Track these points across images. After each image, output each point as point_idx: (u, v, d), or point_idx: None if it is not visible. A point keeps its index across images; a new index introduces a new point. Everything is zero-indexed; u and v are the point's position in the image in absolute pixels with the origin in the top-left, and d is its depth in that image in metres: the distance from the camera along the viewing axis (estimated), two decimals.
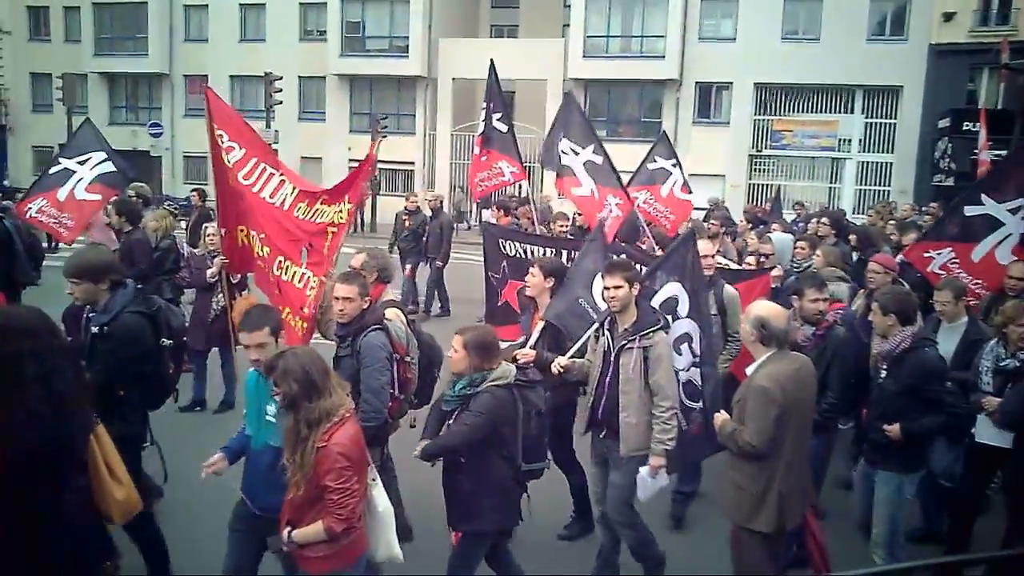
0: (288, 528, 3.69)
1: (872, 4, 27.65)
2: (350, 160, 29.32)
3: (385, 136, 28.51)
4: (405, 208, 13.77)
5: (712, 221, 10.47)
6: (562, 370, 5.19)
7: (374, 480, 3.99)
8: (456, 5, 34.07)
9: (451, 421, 4.33)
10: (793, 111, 29.30)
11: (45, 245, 11.45)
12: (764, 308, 4.49)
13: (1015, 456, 5.23)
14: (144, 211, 9.28)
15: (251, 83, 32.64)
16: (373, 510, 3.94)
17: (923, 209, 15.84)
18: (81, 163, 8.47)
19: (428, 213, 13.69)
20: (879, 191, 27.96)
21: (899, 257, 7.95)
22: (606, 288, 4.95)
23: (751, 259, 8.34)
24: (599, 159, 8.55)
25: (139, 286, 7.48)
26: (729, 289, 6.35)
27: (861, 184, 28.96)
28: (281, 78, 28.77)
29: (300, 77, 33.04)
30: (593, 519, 5.65)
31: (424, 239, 13.26)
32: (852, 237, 9.77)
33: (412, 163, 32.69)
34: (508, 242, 7.41)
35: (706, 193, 21.84)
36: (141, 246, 8.20)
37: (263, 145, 6.26)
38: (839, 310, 6.04)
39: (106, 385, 4.39)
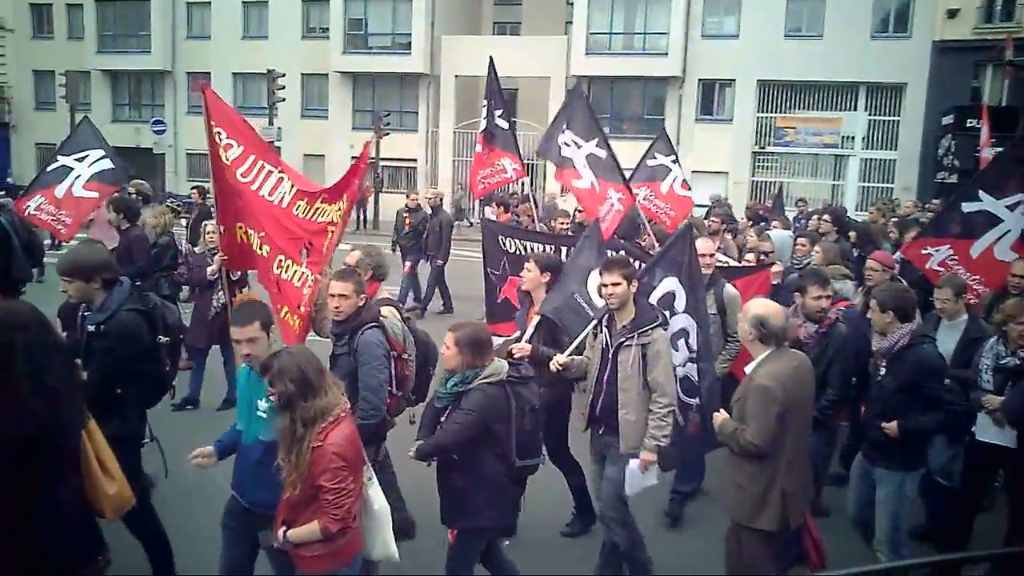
0: (283, 528, 3.68)
1: (876, 1, 27.59)
2: (352, 158, 29.21)
3: (388, 133, 28.64)
4: (406, 206, 13.77)
5: (713, 218, 10.44)
6: (561, 368, 5.19)
7: (370, 479, 3.97)
8: (459, 2, 34.05)
9: (443, 419, 4.32)
10: (796, 108, 29.25)
11: (48, 242, 11.49)
12: (762, 306, 4.48)
13: (1017, 455, 5.22)
14: (144, 208, 9.29)
15: (254, 80, 32.62)
16: (369, 509, 3.92)
17: (926, 206, 15.82)
18: (79, 160, 8.47)
19: (429, 211, 13.69)
20: (882, 188, 27.91)
21: (897, 254, 7.94)
22: (604, 285, 4.94)
23: (750, 256, 8.32)
24: (602, 153, 8.51)
25: (137, 283, 7.54)
26: (730, 289, 6.33)
27: (864, 181, 28.90)
28: (284, 75, 28.81)
29: (303, 74, 33.05)
30: (595, 515, 5.64)
31: (424, 237, 13.27)
32: (852, 234, 9.75)
33: (415, 160, 32.69)
34: (508, 239, 7.41)
35: (709, 190, 21.84)
36: (139, 243, 8.22)
37: (262, 142, 6.24)
38: (843, 308, 6.02)
39: (104, 383, 4.40)
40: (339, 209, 5.64)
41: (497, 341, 5.07)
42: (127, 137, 33.85)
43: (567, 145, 8.71)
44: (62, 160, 8.56)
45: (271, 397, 3.64)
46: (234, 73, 34.08)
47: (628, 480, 4.84)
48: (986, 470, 5.62)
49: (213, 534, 4.37)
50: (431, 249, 13.14)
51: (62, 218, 8.24)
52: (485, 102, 10.18)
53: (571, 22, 30.72)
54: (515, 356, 5.23)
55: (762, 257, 8.04)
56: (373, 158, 28.46)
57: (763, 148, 29.64)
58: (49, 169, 8.65)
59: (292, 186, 5.87)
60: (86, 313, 4.63)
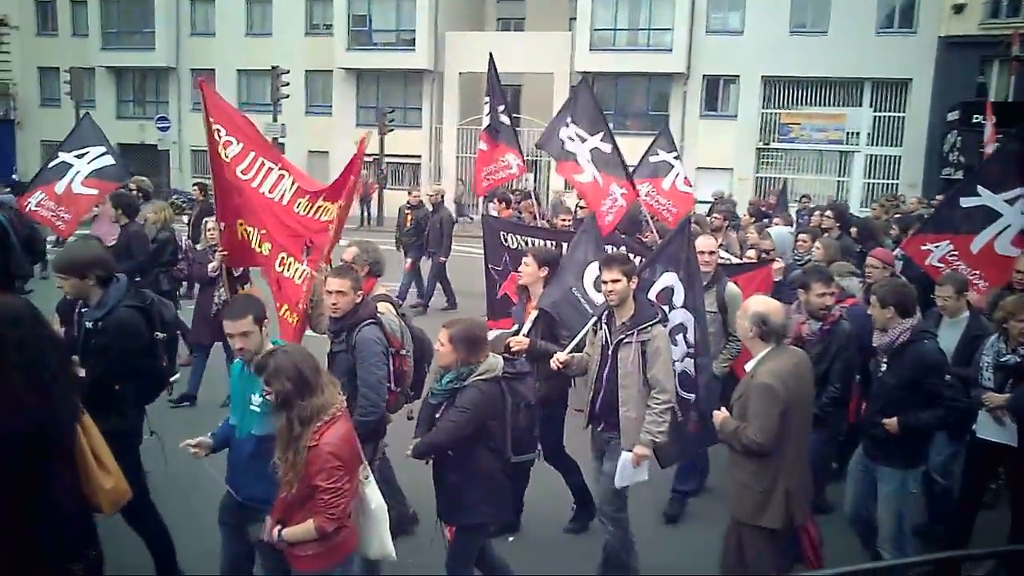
0: (278, 526, 3.68)
1: None
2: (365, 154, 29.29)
3: (392, 130, 28.64)
4: (407, 202, 13.79)
5: (715, 215, 10.42)
6: (561, 365, 5.18)
7: (367, 478, 3.97)
8: None
9: (438, 416, 4.30)
10: (801, 104, 29.15)
11: (52, 239, 11.50)
12: (763, 304, 4.47)
13: (1018, 453, 5.19)
14: (144, 205, 9.30)
15: (258, 77, 32.56)
16: (366, 508, 3.92)
17: (931, 203, 15.74)
18: (79, 157, 8.48)
19: (430, 208, 13.69)
20: (887, 184, 27.81)
21: (897, 251, 7.90)
22: (604, 282, 4.94)
23: (751, 253, 8.30)
24: (607, 147, 8.47)
25: (137, 278, 7.55)
26: (731, 287, 6.31)
27: (869, 177, 28.80)
28: (288, 72, 28.76)
29: (307, 71, 33.01)
30: (596, 509, 5.63)
31: (425, 233, 13.27)
32: (853, 230, 9.73)
33: (419, 157, 32.67)
34: (510, 235, 7.41)
35: (714, 186, 21.80)
36: (139, 238, 8.23)
37: (262, 139, 6.22)
38: (850, 306, 5.99)
39: (102, 380, 4.40)
40: (340, 206, 5.63)
41: (496, 334, 5.05)
42: (131, 133, 33.93)
43: (571, 139, 8.67)
44: (63, 156, 8.57)
45: (267, 396, 3.64)
46: (238, 70, 34.08)
47: (619, 473, 4.82)
48: (986, 468, 5.58)
49: (214, 529, 4.38)
50: (432, 246, 13.14)
51: (61, 214, 8.26)
52: (487, 99, 10.17)
53: (575, 18, 30.61)
54: (513, 350, 5.22)
55: (763, 255, 8.03)
56: (377, 154, 28.51)
57: (767, 144, 29.55)
58: (50, 165, 8.67)
59: (293, 183, 5.85)
60: (83, 310, 4.63)
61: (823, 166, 29.40)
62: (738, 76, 29.16)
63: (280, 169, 5.91)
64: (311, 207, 5.74)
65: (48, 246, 11.12)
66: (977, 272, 6.70)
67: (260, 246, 5.92)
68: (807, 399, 4.45)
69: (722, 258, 7.24)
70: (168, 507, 5.01)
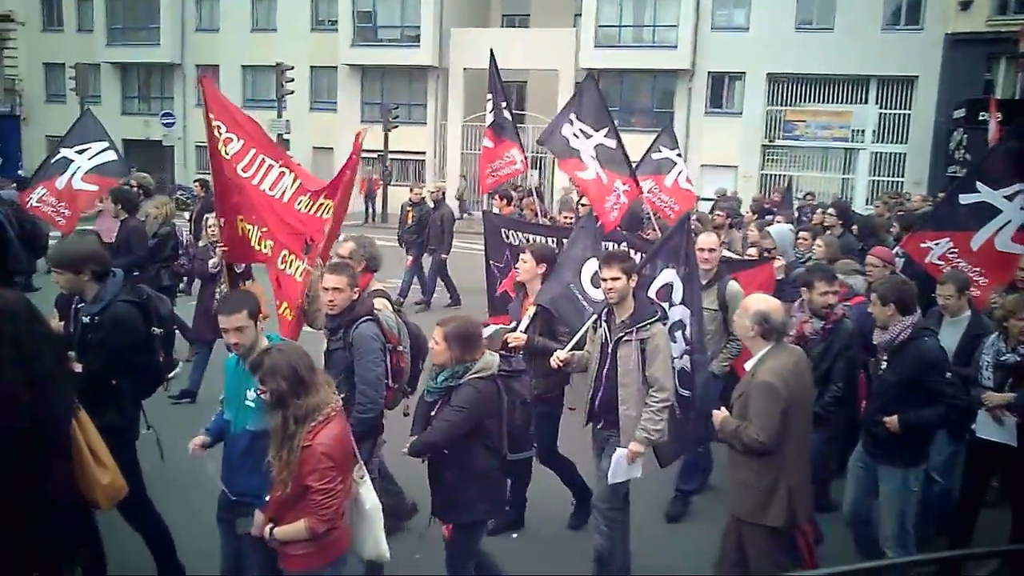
0: (270, 525, 3.67)
1: None
2: (362, 150, 29.26)
3: (396, 126, 28.61)
4: (409, 200, 13.80)
5: (718, 212, 10.38)
6: (561, 364, 5.17)
7: (362, 478, 3.95)
8: None
9: (434, 413, 4.29)
10: (806, 101, 29.01)
11: (57, 235, 11.50)
12: (763, 302, 4.46)
13: (1018, 453, 5.17)
14: (145, 202, 9.30)
15: (263, 73, 32.63)
16: (360, 508, 3.91)
17: (935, 200, 15.66)
18: (80, 152, 8.48)
19: (431, 205, 13.69)
20: (893, 182, 27.66)
21: (897, 248, 7.86)
22: (603, 280, 4.93)
23: (752, 251, 8.27)
24: (612, 143, 8.44)
25: (135, 273, 7.56)
26: (733, 285, 6.28)
27: (875, 175, 28.66)
28: (292, 68, 28.80)
29: (312, 67, 33.00)
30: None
31: (426, 230, 13.26)
32: (854, 227, 9.69)
33: (423, 153, 32.64)
34: (511, 231, 7.39)
35: (718, 184, 21.76)
36: (137, 234, 8.23)
37: (263, 136, 6.20)
38: (857, 304, 5.97)
39: (99, 375, 4.40)
40: (337, 202, 5.62)
41: (489, 330, 5.02)
42: (136, 130, 34.00)
43: (575, 136, 8.63)
44: (64, 152, 8.57)
45: (262, 395, 3.62)
46: (243, 66, 34.10)
47: (613, 469, 4.81)
48: (986, 468, 5.54)
49: (215, 527, 4.38)
50: (432, 243, 13.15)
51: (62, 210, 8.27)
52: (489, 95, 10.15)
53: (580, 14, 30.54)
54: (511, 346, 5.21)
55: (764, 253, 8.00)
56: (381, 150, 28.49)
57: (773, 142, 29.44)
58: (52, 161, 8.67)
59: (295, 180, 5.83)
60: (79, 306, 4.63)
61: (828, 163, 29.26)
62: (743, 73, 29.05)
63: (281, 166, 5.90)
64: (312, 205, 5.73)
65: (51, 242, 11.13)
66: (978, 269, 6.66)
67: (260, 244, 5.91)
68: (807, 397, 4.45)
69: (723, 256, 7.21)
70: (169, 504, 5.02)
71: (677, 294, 5.27)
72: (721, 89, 29.85)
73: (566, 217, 10.10)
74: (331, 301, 4.71)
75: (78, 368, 4.19)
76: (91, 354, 4.41)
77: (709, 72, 29.33)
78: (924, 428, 5.00)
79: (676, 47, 28.93)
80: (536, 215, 11.31)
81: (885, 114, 28.32)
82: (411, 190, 14.16)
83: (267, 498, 3.70)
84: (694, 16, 28.70)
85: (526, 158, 10.07)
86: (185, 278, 10.02)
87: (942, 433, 5.54)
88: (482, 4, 35.59)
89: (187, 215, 12.81)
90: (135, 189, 9.59)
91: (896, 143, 28.29)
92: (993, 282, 6.59)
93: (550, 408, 5.66)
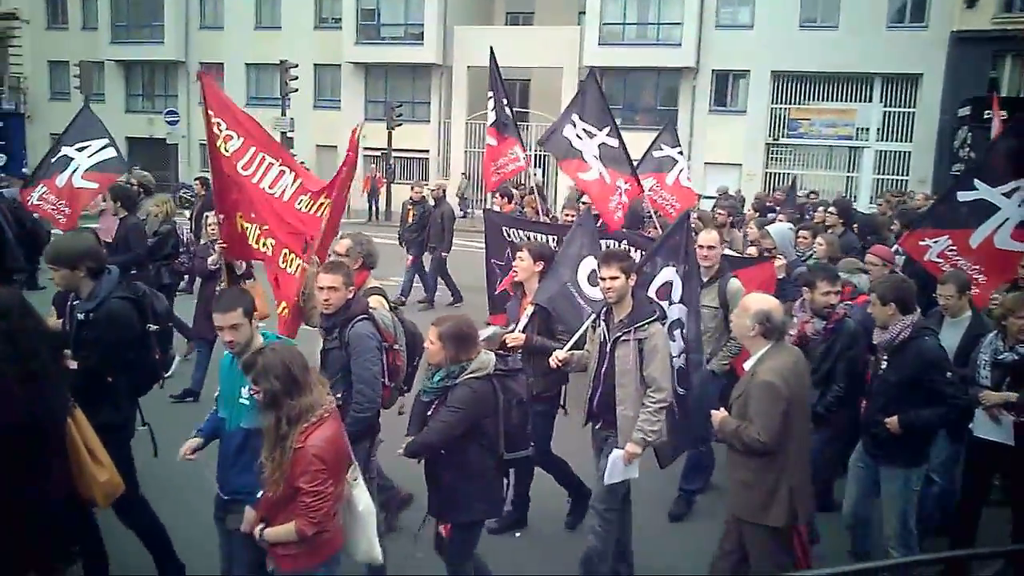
0: (261, 525, 3.66)
1: None
2: (365, 148, 29.30)
3: (400, 124, 28.60)
4: (410, 198, 13.80)
5: (719, 211, 10.34)
6: (560, 363, 5.15)
7: (355, 479, 3.92)
8: None
9: (430, 413, 4.27)
10: (811, 99, 28.92)
11: (59, 233, 11.52)
12: (764, 301, 4.43)
13: (1017, 452, 5.13)
14: (145, 200, 9.30)
15: (267, 71, 32.66)
16: (353, 509, 3.88)
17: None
18: (80, 150, 8.48)
19: (432, 203, 13.68)
20: (897, 180, 27.58)
21: (896, 246, 7.82)
22: (602, 279, 4.90)
23: (752, 250, 8.24)
24: (614, 142, 8.43)
25: (134, 271, 7.55)
26: (734, 283, 6.25)
27: (879, 173, 28.56)
28: (296, 66, 28.83)
29: (315, 65, 33.06)
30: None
31: (426, 229, 13.26)
32: (855, 226, 9.66)
33: (427, 151, 32.66)
34: (512, 229, 7.38)
35: (722, 182, 21.71)
36: (136, 231, 8.23)
37: (263, 134, 6.18)
38: (862, 303, 5.94)
39: (94, 372, 4.39)
40: (332, 200, 5.61)
41: (488, 331, 5.00)
42: (140, 127, 34.07)
43: (578, 137, 8.62)
44: (64, 150, 8.58)
45: (255, 395, 3.60)
46: (247, 64, 34.17)
47: (609, 469, 4.78)
48: (986, 467, 5.51)
49: (213, 526, 4.38)
50: (433, 241, 13.15)
51: (62, 208, 8.26)
52: (491, 93, 10.13)
53: (584, 12, 30.51)
54: (509, 346, 5.19)
55: (764, 253, 7.97)
56: (385, 148, 28.49)
57: (777, 140, 29.36)
58: (52, 159, 8.67)
59: (295, 179, 5.82)
60: (74, 302, 4.62)
61: (833, 162, 29.19)
62: (748, 71, 28.99)
63: (281, 165, 5.88)
64: (313, 204, 5.73)
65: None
66: (977, 267, 6.63)
67: (259, 242, 5.89)
68: (807, 396, 4.44)
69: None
70: (168, 504, 5.02)
71: (676, 292, 5.26)
72: (725, 87, 29.81)
73: (568, 215, 10.07)
74: (327, 300, 4.69)
75: (73, 365, 4.18)
76: (86, 351, 4.40)
77: (713, 70, 29.28)
78: (924, 428, 4.97)
79: (680, 45, 28.90)
80: (537, 213, 11.28)
81: (890, 112, 28.22)
82: (412, 188, 14.14)
83: (259, 495, 3.69)
84: (698, 14, 28.65)
85: (528, 154, 10.05)
86: (186, 276, 10.02)
87: (942, 434, 5.51)
88: (486, 2, 35.60)
89: (188, 213, 12.80)
90: (136, 187, 9.59)
91: (901, 141, 28.19)
92: (992, 280, 6.56)
93: (547, 407, 5.64)
